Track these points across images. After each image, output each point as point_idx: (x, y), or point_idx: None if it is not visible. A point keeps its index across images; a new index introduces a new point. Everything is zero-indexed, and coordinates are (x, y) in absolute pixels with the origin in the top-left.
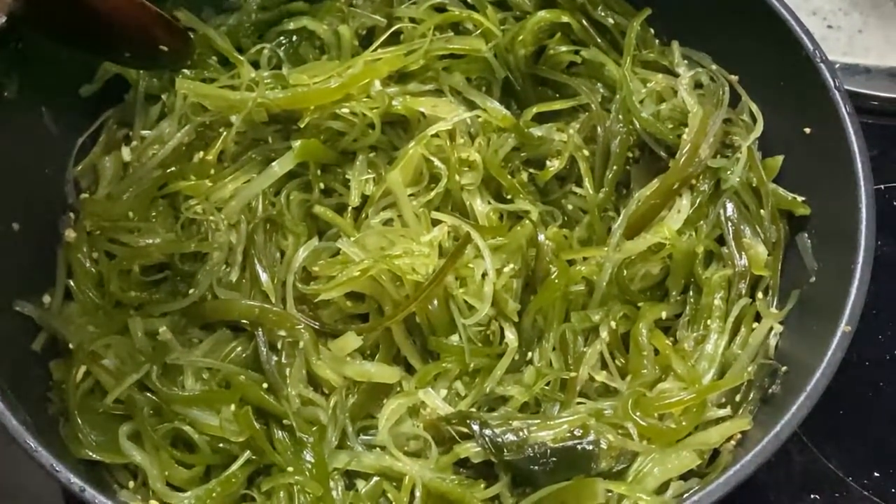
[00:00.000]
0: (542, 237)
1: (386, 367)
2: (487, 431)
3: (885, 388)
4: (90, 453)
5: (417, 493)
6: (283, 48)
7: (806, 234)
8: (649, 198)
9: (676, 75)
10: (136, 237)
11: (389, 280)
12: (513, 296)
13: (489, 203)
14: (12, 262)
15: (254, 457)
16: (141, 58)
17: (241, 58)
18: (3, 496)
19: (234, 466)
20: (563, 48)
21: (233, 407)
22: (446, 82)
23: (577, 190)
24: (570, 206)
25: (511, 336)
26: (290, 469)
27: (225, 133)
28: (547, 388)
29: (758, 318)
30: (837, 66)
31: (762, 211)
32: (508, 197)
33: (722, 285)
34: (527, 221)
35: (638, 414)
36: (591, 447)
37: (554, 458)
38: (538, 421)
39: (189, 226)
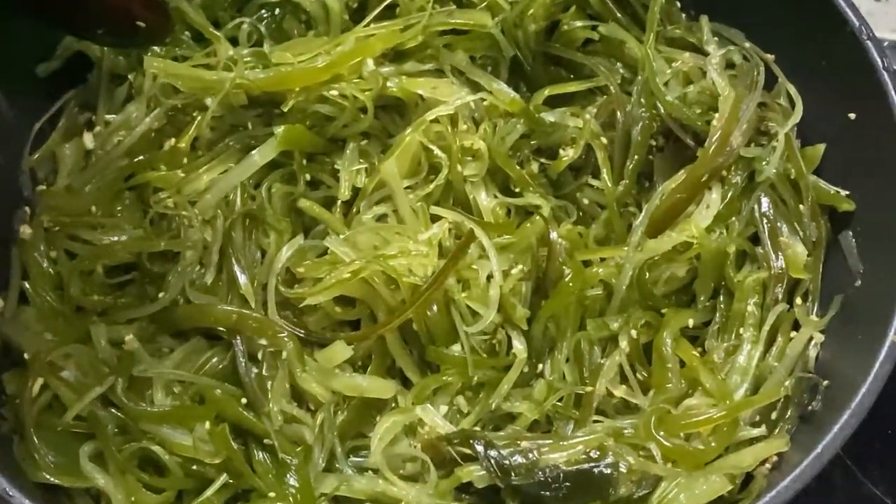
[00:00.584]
0: (554, 235)
1: (379, 380)
2: (493, 453)
3: None
4: (48, 476)
5: None
6: (264, 22)
7: (850, 233)
8: (675, 191)
9: (706, 54)
10: (100, 234)
11: (383, 283)
12: (521, 301)
13: (495, 197)
14: None
15: (231, 480)
16: (116, 34)
17: (218, 33)
18: None
19: (209, 491)
20: (579, 23)
21: (207, 424)
22: (447, 61)
23: (594, 182)
24: (585, 201)
25: (519, 346)
26: (271, 494)
27: (199, 118)
28: (559, 404)
29: (796, 326)
30: (886, 43)
31: (801, 206)
32: (517, 190)
33: (756, 289)
34: (537, 217)
35: (662, 433)
36: (608, 471)
37: (567, 483)
38: (550, 441)
39: (159, 221)
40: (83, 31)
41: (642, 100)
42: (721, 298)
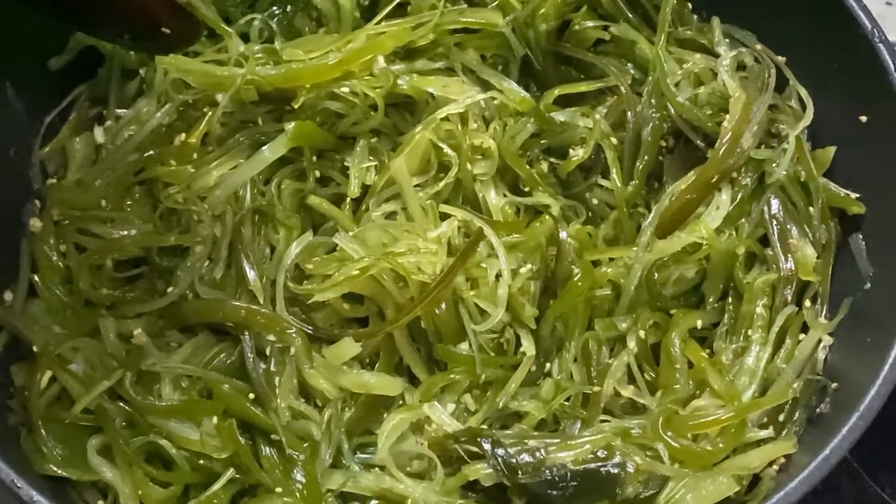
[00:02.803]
0: (563, 235)
1: (387, 377)
2: (500, 451)
3: None
4: (55, 468)
5: None
6: (275, 19)
7: (860, 235)
8: (684, 192)
9: (717, 55)
10: (109, 228)
11: (392, 280)
12: (530, 300)
13: (504, 196)
14: None
15: (238, 475)
16: (140, 40)
17: (230, 29)
18: None
19: (216, 486)
20: (590, 23)
21: (215, 419)
22: (458, 60)
23: (604, 182)
24: (595, 201)
25: (527, 344)
26: (278, 490)
27: (210, 113)
28: (567, 403)
29: (805, 328)
30: None
31: (811, 208)
32: (526, 189)
33: (765, 291)
34: (546, 217)
35: (669, 434)
36: (616, 470)
37: (574, 482)
38: (557, 440)
39: (168, 216)
40: (108, 35)
41: (653, 100)
42: (730, 300)
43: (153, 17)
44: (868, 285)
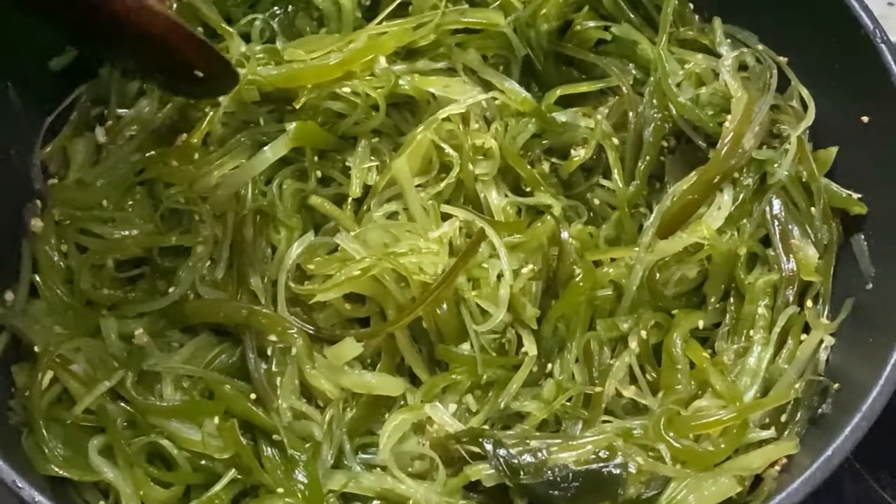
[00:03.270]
0: (565, 235)
1: (388, 377)
2: (502, 451)
3: None
4: (56, 469)
5: None
6: (277, 19)
7: (862, 236)
8: (686, 192)
9: (718, 56)
10: (111, 228)
11: (393, 280)
12: (531, 300)
13: (506, 196)
14: None
15: (239, 476)
16: (175, 81)
17: (231, 29)
18: None
19: (218, 486)
20: (592, 23)
21: (216, 419)
22: (459, 60)
23: (605, 183)
24: (596, 201)
25: (529, 345)
26: (279, 490)
27: (211, 113)
28: (569, 404)
29: (806, 329)
30: None
31: (813, 209)
32: (528, 189)
33: (767, 292)
34: (548, 217)
35: (671, 434)
36: (617, 471)
37: (576, 483)
38: (559, 441)
39: (170, 217)
40: (142, 72)
41: (654, 101)
42: (731, 300)
43: (186, 58)
44: (870, 286)
